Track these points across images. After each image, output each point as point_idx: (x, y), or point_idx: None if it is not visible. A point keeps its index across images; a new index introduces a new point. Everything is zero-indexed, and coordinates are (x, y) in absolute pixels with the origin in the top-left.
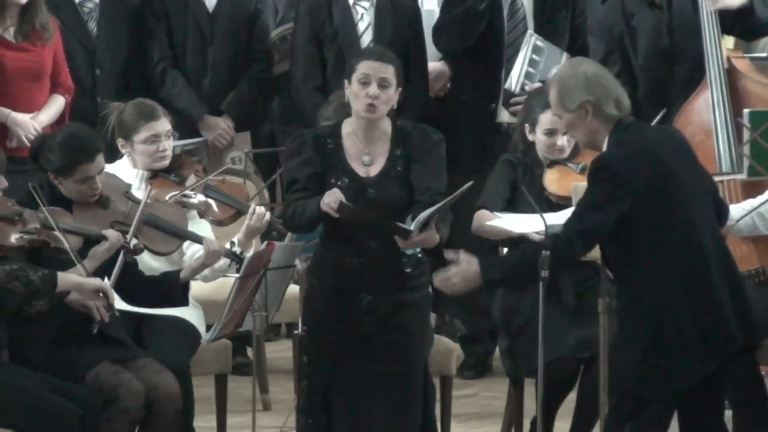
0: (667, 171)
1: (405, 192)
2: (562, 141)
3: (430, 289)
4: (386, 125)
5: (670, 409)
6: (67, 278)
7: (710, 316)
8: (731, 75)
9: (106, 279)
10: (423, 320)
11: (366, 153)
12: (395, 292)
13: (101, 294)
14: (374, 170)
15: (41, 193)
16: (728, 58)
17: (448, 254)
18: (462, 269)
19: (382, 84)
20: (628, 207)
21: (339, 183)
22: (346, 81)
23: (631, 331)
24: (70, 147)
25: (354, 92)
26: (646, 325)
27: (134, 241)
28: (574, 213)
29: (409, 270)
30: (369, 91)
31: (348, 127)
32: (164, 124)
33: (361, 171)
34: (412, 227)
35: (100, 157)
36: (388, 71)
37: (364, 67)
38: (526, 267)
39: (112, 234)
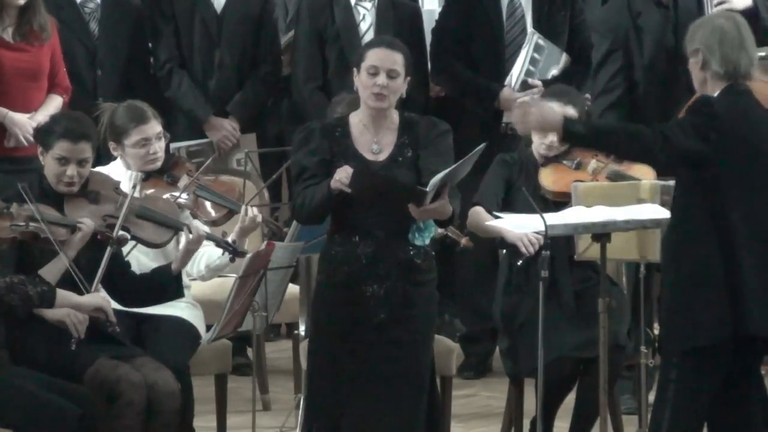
0: (756, 143)
1: (413, 176)
2: (553, 137)
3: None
4: (394, 116)
5: (708, 374)
6: (65, 297)
7: (736, 289)
8: None
9: (99, 283)
10: (431, 318)
11: (375, 142)
12: (404, 283)
13: (101, 311)
14: (382, 156)
15: (30, 192)
16: None
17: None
18: (546, 107)
19: (391, 75)
20: (709, 147)
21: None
22: (354, 69)
23: (674, 281)
24: (65, 121)
25: (362, 82)
26: (679, 275)
27: (119, 232)
28: (669, 123)
29: (419, 261)
30: (378, 80)
31: (356, 118)
32: (154, 127)
33: (369, 157)
34: (428, 188)
35: (85, 145)
36: (397, 61)
37: (372, 57)
38: (614, 136)
39: (85, 221)
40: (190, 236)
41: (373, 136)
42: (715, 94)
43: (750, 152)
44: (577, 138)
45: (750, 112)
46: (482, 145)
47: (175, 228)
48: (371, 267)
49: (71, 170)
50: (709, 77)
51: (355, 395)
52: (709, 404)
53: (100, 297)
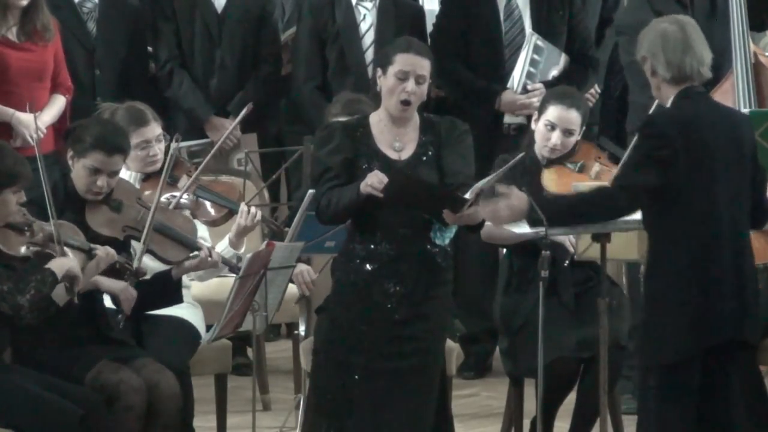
0: (702, 148)
1: (436, 176)
2: (556, 140)
3: None
4: (414, 115)
5: (686, 384)
6: (58, 265)
7: (711, 298)
8: (756, 70)
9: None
10: (446, 318)
11: (396, 140)
12: (425, 282)
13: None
14: (405, 155)
15: (53, 195)
16: (754, 54)
17: (501, 188)
18: (511, 203)
19: (419, 80)
20: (665, 169)
21: (371, 167)
22: (379, 69)
23: (647, 297)
24: (99, 130)
25: (389, 86)
26: (655, 292)
27: (136, 264)
28: (620, 169)
29: (440, 260)
30: (407, 86)
31: (376, 117)
32: (154, 129)
33: (392, 155)
34: (467, 195)
35: (117, 159)
36: (425, 67)
37: (402, 63)
38: (572, 213)
39: (99, 250)
40: (208, 259)
41: (394, 135)
42: (670, 100)
43: (704, 158)
44: (541, 223)
45: (694, 115)
46: (522, 154)
47: (193, 248)
48: (393, 265)
49: (102, 181)
50: (660, 83)
51: (365, 392)
52: (695, 408)
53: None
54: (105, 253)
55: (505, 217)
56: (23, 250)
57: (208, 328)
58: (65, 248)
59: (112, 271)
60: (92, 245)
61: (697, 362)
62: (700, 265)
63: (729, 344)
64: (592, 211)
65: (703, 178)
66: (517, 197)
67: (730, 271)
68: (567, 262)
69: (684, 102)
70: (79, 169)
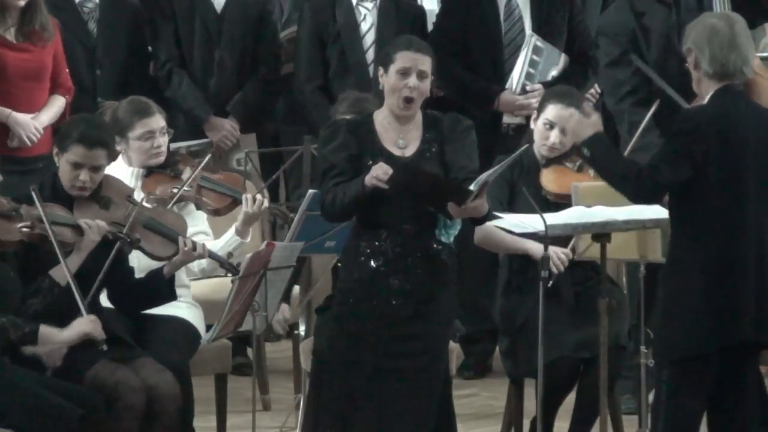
0: (735, 147)
1: (440, 171)
2: (555, 138)
3: None
4: (417, 113)
5: (698, 381)
6: (49, 337)
7: (729, 298)
8: None
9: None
10: (451, 316)
11: (400, 137)
12: (430, 279)
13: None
14: (409, 151)
15: (41, 193)
16: None
17: (588, 106)
18: (585, 122)
19: (421, 75)
20: (699, 162)
21: (375, 164)
22: (381, 68)
23: (664, 292)
24: (83, 126)
25: (391, 84)
26: (673, 288)
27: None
28: (653, 160)
29: (444, 258)
30: (409, 82)
31: (380, 115)
32: (158, 121)
33: (396, 152)
34: (472, 187)
35: (100, 152)
36: (426, 63)
37: (403, 59)
38: (613, 171)
39: (89, 222)
40: (193, 253)
41: (398, 132)
42: (708, 96)
43: (736, 158)
44: (581, 158)
45: (730, 113)
46: (525, 146)
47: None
48: (398, 261)
49: (84, 175)
50: (702, 77)
51: (370, 391)
52: (705, 404)
53: (85, 322)
54: (96, 225)
55: (573, 123)
56: (11, 235)
57: (208, 328)
58: (54, 228)
59: (108, 243)
60: (82, 219)
61: (711, 360)
62: (722, 265)
63: (745, 344)
64: (625, 181)
65: (733, 177)
66: (594, 123)
67: (751, 272)
68: (551, 282)
69: (722, 99)
70: (63, 165)
